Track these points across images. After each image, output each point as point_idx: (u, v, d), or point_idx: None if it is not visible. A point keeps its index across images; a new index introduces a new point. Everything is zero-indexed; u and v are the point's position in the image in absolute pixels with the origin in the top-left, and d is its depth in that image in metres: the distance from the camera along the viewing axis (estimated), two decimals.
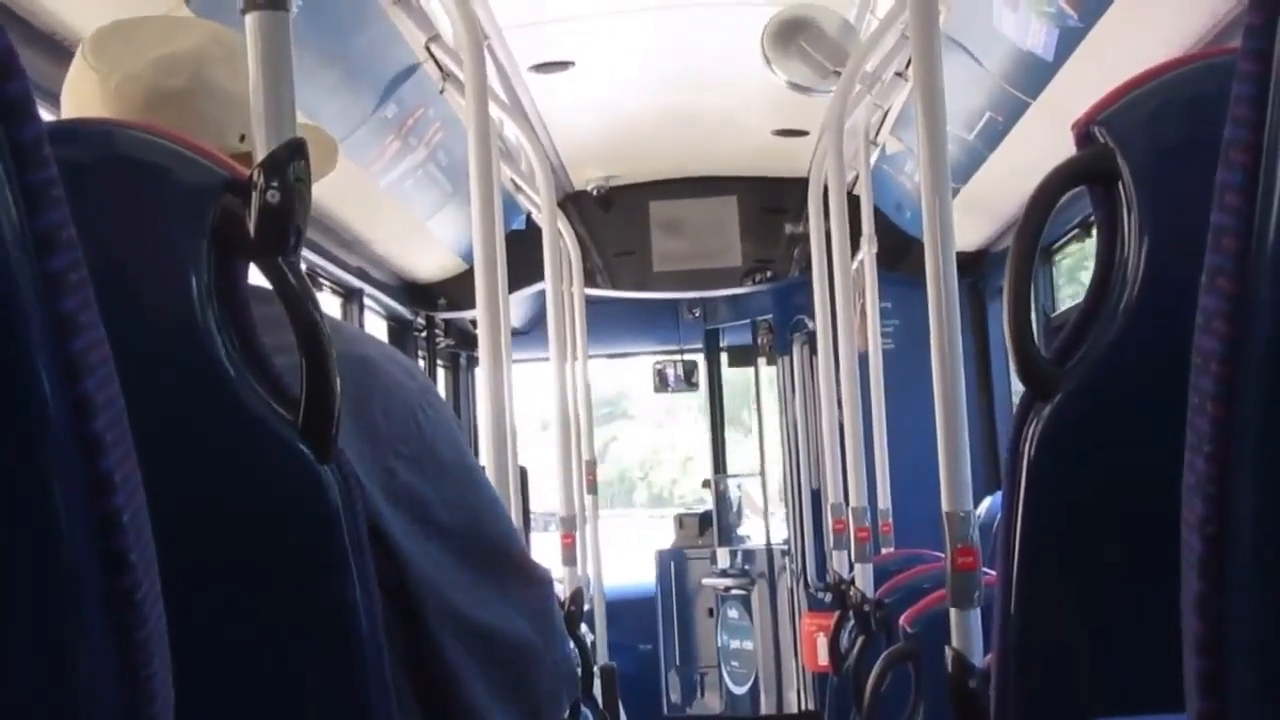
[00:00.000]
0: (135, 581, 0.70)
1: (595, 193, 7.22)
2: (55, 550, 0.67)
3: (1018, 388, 1.57)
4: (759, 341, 8.31)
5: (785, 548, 7.90)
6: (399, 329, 6.73)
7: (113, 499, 0.69)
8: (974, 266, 6.10)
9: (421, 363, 6.83)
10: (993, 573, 1.66)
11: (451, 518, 1.61)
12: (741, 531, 8.53)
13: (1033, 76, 3.92)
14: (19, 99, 0.65)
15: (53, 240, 0.66)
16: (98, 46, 1.69)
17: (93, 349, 0.68)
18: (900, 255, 6.10)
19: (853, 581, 4.44)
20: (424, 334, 6.95)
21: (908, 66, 4.59)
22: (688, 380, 8.76)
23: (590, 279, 7.14)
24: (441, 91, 4.70)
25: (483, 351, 3.08)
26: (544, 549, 4.94)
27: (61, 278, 0.66)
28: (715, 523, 8.42)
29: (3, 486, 0.65)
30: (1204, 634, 0.68)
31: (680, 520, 8.78)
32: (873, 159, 5.60)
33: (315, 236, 5.06)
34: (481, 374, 3.12)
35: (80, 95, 1.68)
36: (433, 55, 4.44)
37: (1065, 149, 1.53)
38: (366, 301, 5.96)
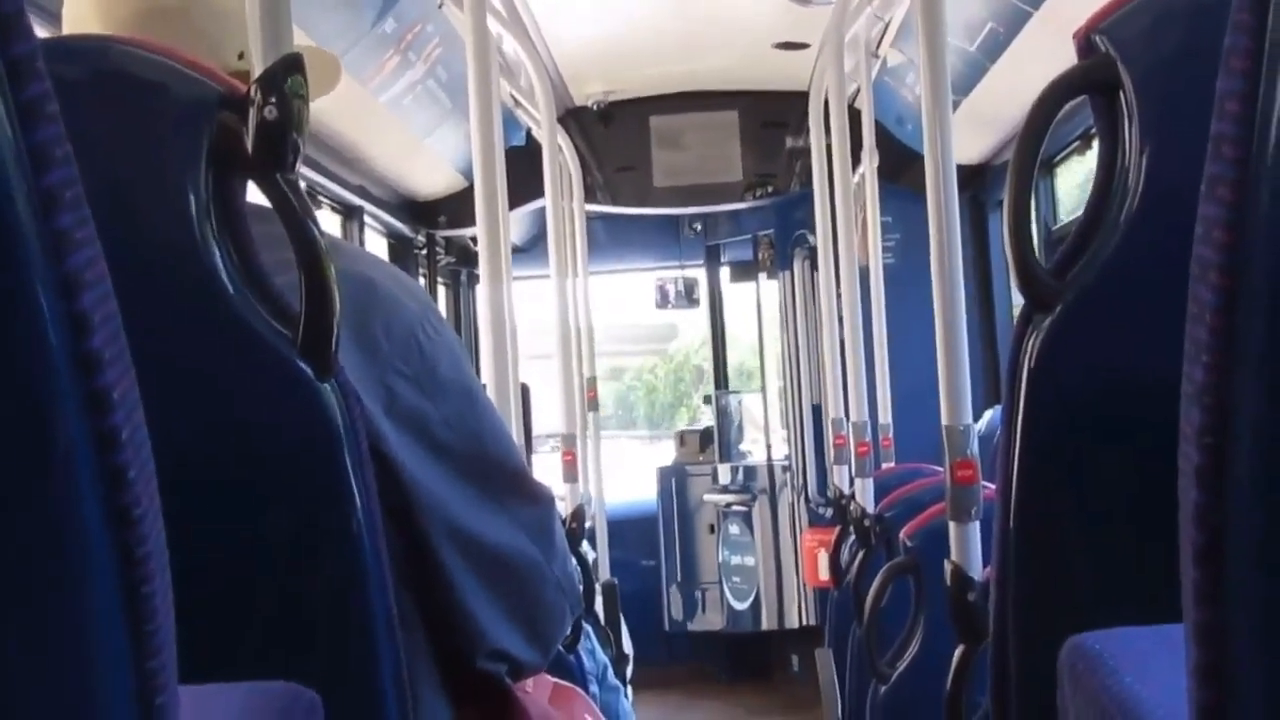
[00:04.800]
0: (135, 498, 0.70)
1: (595, 108, 7.19)
2: (53, 468, 0.67)
3: (1019, 300, 1.56)
4: (760, 257, 8.29)
5: (786, 463, 7.92)
6: (399, 247, 6.71)
7: (111, 416, 0.69)
8: (975, 179, 6.09)
9: (422, 280, 6.83)
10: (993, 486, 1.66)
11: (452, 436, 1.61)
12: (743, 447, 8.54)
13: None
14: (13, 14, 0.65)
15: (47, 156, 0.66)
16: None
17: (89, 265, 0.68)
18: (901, 168, 6.08)
19: (853, 496, 4.45)
20: (424, 251, 6.94)
21: None
22: (688, 296, 8.74)
23: (591, 195, 7.13)
24: (440, 6, 4.67)
25: (483, 269, 3.08)
26: (546, 470, 4.94)
27: (57, 194, 0.66)
28: (716, 439, 8.43)
29: None
30: (1201, 544, 0.68)
31: (681, 437, 8.79)
32: (874, 71, 5.57)
33: (314, 154, 5.04)
34: (482, 291, 3.13)
35: (78, 9, 1.67)
36: None
37: (1067, 59, 1.52)
38: (366, 219, 5.95)
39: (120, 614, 0.71)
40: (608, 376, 12.93)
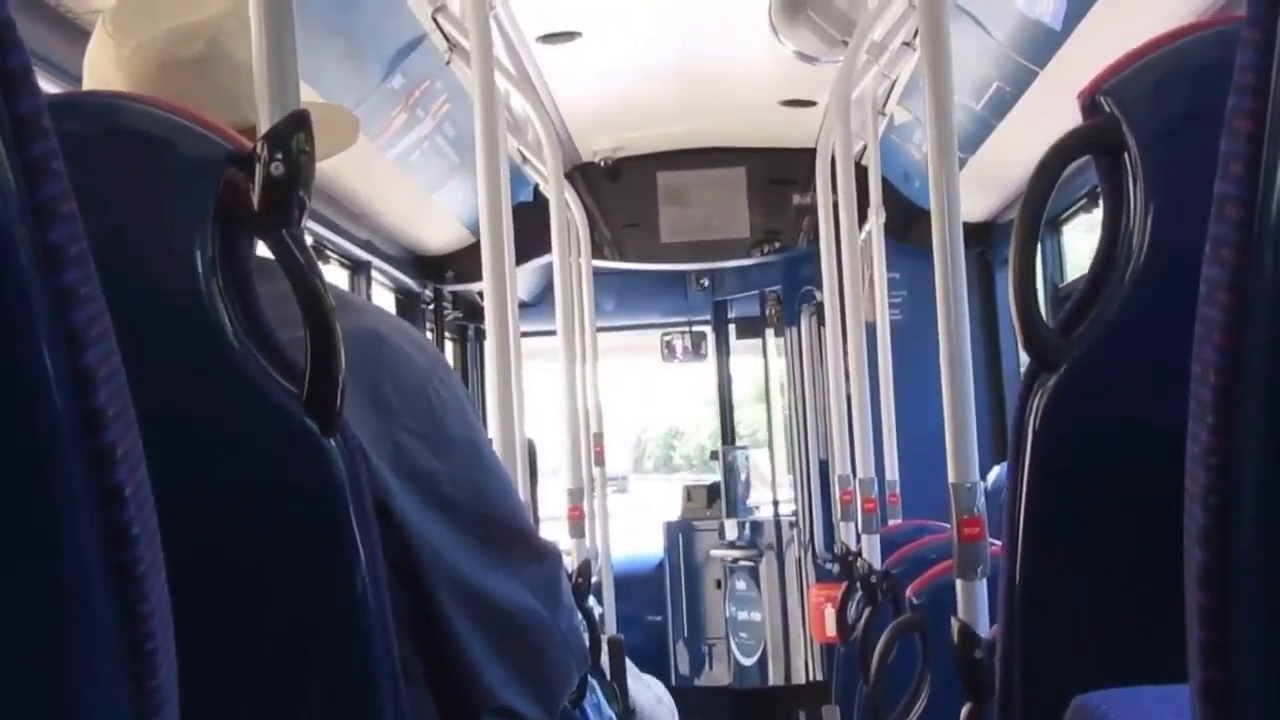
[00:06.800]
0: (138, 555, 0.70)
1: (603, 164, 7.20)
2: (57, 525, 0.67)
3: (1025, 358, 1.56)
4: (767, 312, 8.30)
5: (793, 519, 7.91)
6: (407, 301, 6.72)
7: (115, 473, 0.69)
8: (982, 237, 6.09)
9: (429, 335, 6.83)
10: (999, 543, 1.66)
11: (460, 494, 1.61)
12: (749, 503, 8.52)
13: (1041, 46, 3.91)
14: (18, 72, 0.65)
15: (53, 213, 0.66)
16: (117, 14, 1.69)
17: (94, 322, 0.68)
18: (908, 225, 6.08)
19: (860, 553, 4.44)
20: (432, 306, 6.95)
21: (915, 36, 4.58)
22: (695, 351, 8.76)
23: (598, 250, 7.13)
24: (448, 63, 4.69)
25: (490, 324, 3.08)
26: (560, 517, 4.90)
27: (62, 251, 0.66)
28: (723, 494, 8.41)
29: (2, 460, 0.65)
30: (1206, 604, 0.68)
31: (688, 492, 8.79)
32: (881, 129, 5.58)
33: (322, 209, 5.05)
34: (489, 346, 3.13)
35: (98, 64, 1.68)
36: (439, 25, 4.44)
37: (1073, 119, 1.52)
38: (374, 274, 5.96)
39: (122, 670, 0.71)
40: (753, 398, 11.33)
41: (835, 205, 4.75)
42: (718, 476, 8.52)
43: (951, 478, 2.37)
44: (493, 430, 3.03)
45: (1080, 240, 5.19)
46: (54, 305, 0.66)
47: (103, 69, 1.67)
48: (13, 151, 0.64)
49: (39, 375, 0.65)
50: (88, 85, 1.69)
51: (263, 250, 1.40)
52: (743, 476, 8.55)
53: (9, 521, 0.65)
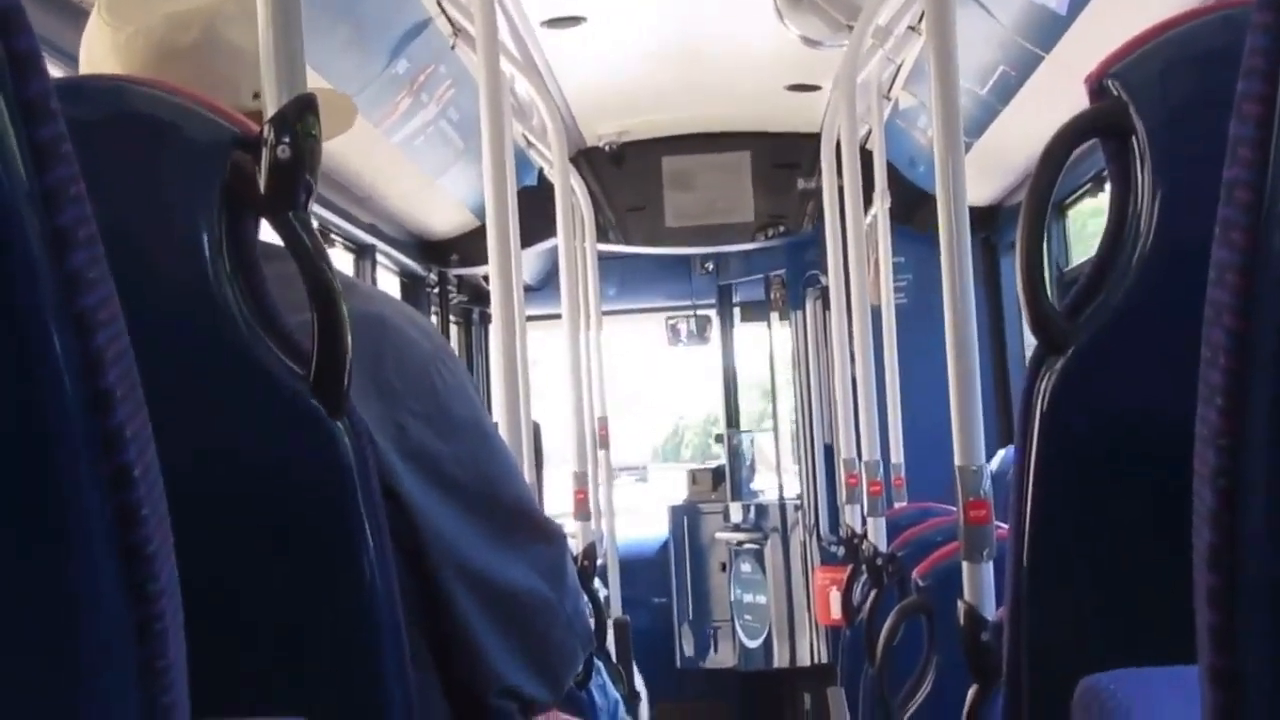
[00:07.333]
0: (147, 536, 0.70)
1: (607, 148, 7.20)
2: (66, 506, 0.67)
3: (1030, 341, 1.56)
4: (772, 297, 8.29)
5: (798, 502, 7.91)
6: (412, 285, 6.72)
7: (124, 454, 0.69)
8: (987, 221, 6.08)
9: (434, 319, 6.83)
10: (1006, 526, 1.65)
11: (464, 475, 1.61)
12: (754, 486, 8.53)
13: (1046, 30, 3.90)
14: (27, 54, 0.65)
15: (61, 196, 0.66)
16: (113, 1, 1.68)
17: (102, 305, 0.68)
18: (913, 210, 6.08)
19: (865, 535, 4.44)
20: (437, 290, 6.95)
21: (920, 20, 4.57)
22: (700, 335, 8.76)
23: (603, 234, 7.13)
24: (453, 47, 4.69)
25: (495, 307, 3.08)
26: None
27: (70, 234, 0.66)
28: (728, 477, 8.42)
29: (12, 441, 0.65)
30: (1215, 587, 0.68)
31: (693, 475, 8.79)
32: (886, 113, 5.57)
33: (327, 193, 5.05)
34: (494, 330, 3.13)
35: (94, 50, 1.68)
36: (444, 10, 4.44)
37: (1079, 103, 1.52)
38: (379, 258, 5.95)
39: (132, 650, 0.71)
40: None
41: (840, 190, 4.75)
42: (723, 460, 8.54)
43: (958, 460, 2.37)
44: (498, 413, 3.03)
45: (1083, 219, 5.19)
46: (63, 288, 0.66)
47: (99, 55, 1.67)
48: (22, 134, 0.64)
49: (48, 357, 0.66)
50: (84, 70, 1.69)
51: (267, 234, 1.40)
52: (747, 460, 8.56)
53: (19, 503, 0.66)
